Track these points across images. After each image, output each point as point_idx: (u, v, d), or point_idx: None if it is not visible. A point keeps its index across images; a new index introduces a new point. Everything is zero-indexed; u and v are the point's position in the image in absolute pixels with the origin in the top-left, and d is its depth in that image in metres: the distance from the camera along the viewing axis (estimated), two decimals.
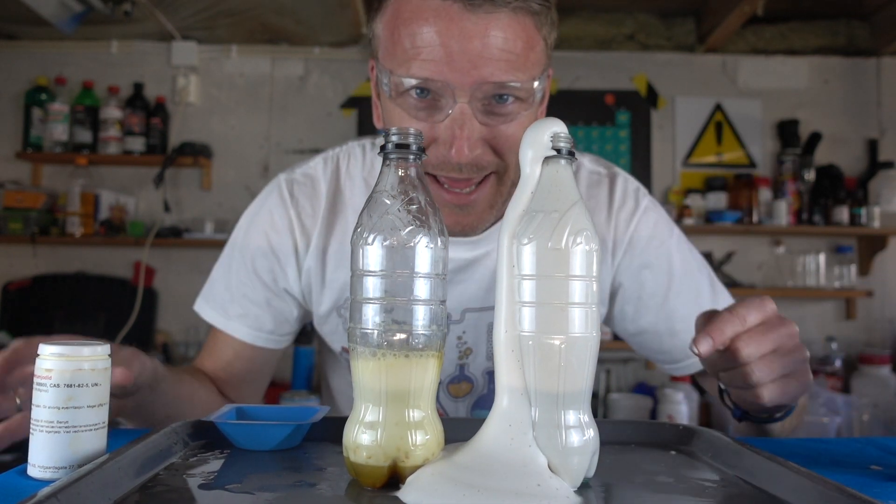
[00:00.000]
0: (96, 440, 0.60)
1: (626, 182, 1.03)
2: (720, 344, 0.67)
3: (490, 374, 1.01)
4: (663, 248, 1.00)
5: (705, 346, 0.67)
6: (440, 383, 0.99)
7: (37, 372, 0.59)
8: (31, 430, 0.59)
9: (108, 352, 0.61)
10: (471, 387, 1.01)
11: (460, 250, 0.95)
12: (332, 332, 1.02)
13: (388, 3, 0.82)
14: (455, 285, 0.96)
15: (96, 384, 0.59)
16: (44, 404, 0.58)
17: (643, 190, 1.04)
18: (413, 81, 0.78)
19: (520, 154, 0.58)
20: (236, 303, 0.99)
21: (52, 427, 0.58)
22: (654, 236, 1.00)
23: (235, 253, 1.01)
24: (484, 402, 1.03)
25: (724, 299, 1.02)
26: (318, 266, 0.98)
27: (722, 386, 0.80)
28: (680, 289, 0.99)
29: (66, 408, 0.58)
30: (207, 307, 1.01)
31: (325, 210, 0.98)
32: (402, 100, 0.81)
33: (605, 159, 1.07)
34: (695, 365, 1.01)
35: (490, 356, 0.99)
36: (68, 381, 0.58)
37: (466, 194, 0.84)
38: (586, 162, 1.04)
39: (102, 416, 0.60)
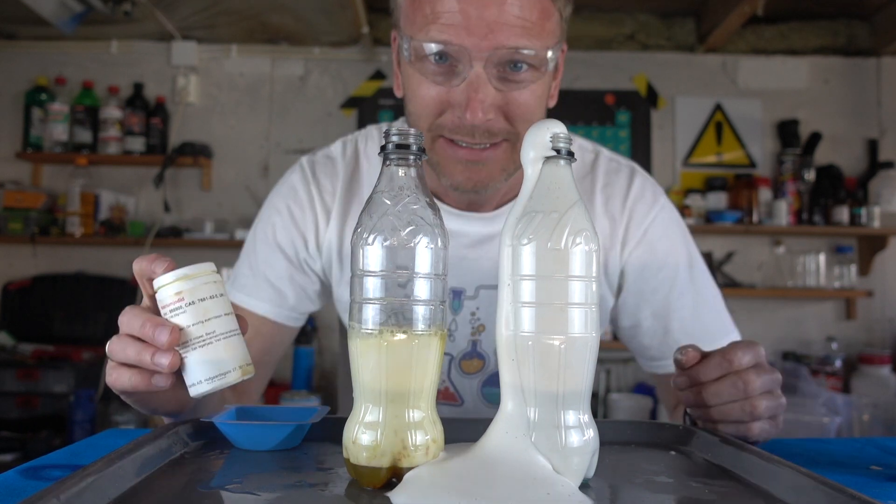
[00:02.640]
0: (241, 343, 0.64)
1: (646, 178, 1.04)
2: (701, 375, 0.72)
3: None
4: (675, 248, 1.01)
5: (691, 356, 0.72)
6: (452, 359, 0.99)
7: (166, 301, 0.62)
8: (182, 355, 0.62)
9: (215, 267, 0.65)
10: (482, 363, 1.02)
11: (476, 225, 0.97)
12: (345, 310, 1.03)
13: None
14: (470, 261, 0.97)
15: (221, 294, 0.64)
16: (187, 324, 0.62)
17: (660, 189, 1.05)
18: (432, 45, 0.82)
19: (521, 154, 0.58)
20: (259, 278, 1.01)
21: (203, 340, 0.62)
22: (668, 233, 1.01)
23: (258, 229, 1.03)
24: (494, 379, 1.03)
25: (724, 314, 1.03)
26: (337, 242, 1.01)
27: (689, 412, 0.81)
28: (684, 289, 1.00)
29: (208, 320, 0.62)
30: (231, 288, 1.03)
31: (342, 188, 1.02)
32: (421, 64, 0.84)
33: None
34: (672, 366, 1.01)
35: None
36: (202, 296, 0.62)
37: (480, 150, 0.87)
38: (605, 151, 1.06)
39: (234, 323, 0.64)
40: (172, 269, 0.63)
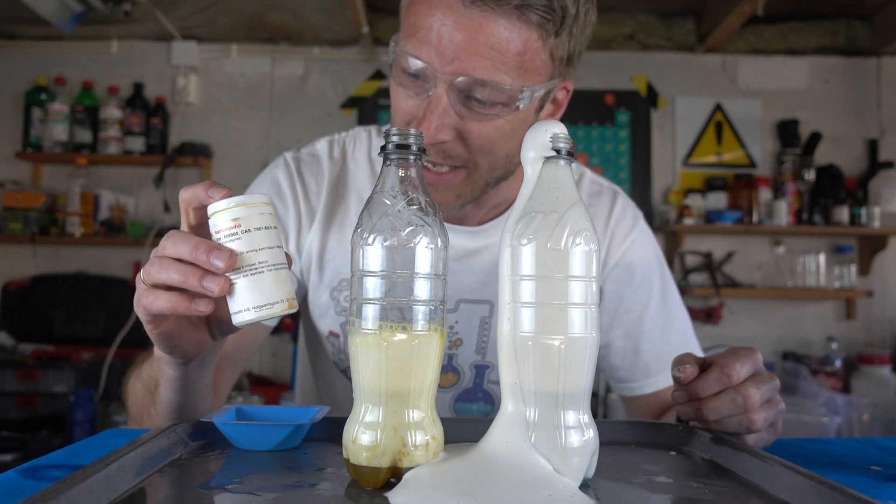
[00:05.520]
0: (289, 277, 0.63)
1: (627, 201, 1.07)
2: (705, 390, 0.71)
3: (477, 368, 1.02)
4: (650, 271, 1.03)
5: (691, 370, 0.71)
6: None
7: (221, 227, 0.61)
8: (232, 281, 0.61)
9: (268, 200, 0.65)
10: (457, 378, 1.02)
11: (461, 239, 0.97)
12: (321, 315, 1.02)
13: None
14: (453, 275, 0.97)
15: (275, 227, 0.63)
16: (243, 250, 0.61)
17: (640, 213, 1.08)
18: (405, 58, 0.82)
19: (521, 155, 0.58)
20: None
21: (255, 269, 0.61)
22: (645, 257, 1.04)
23: None
24: (467, 395, 1.04)
25: (692, 340, 1.05)
26: (318, 246, 0.99)
27: (681, 417, 0.81)
28: (656, 312, 1.02)
29: (261, 249, 0.61)
30: None
31: (328, 190, 1.00)
32: (398, 74, 0.85)
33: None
34: (644, 387, 1.03)
35: (479, 350, 1.01)
36: (258, 225, 0.61)
37: (435, 172, 0.86)
38: (588, 173, 1.08)
39: (283, 257, 0.63)
40: (229, 197, 0.62)
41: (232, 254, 0.60)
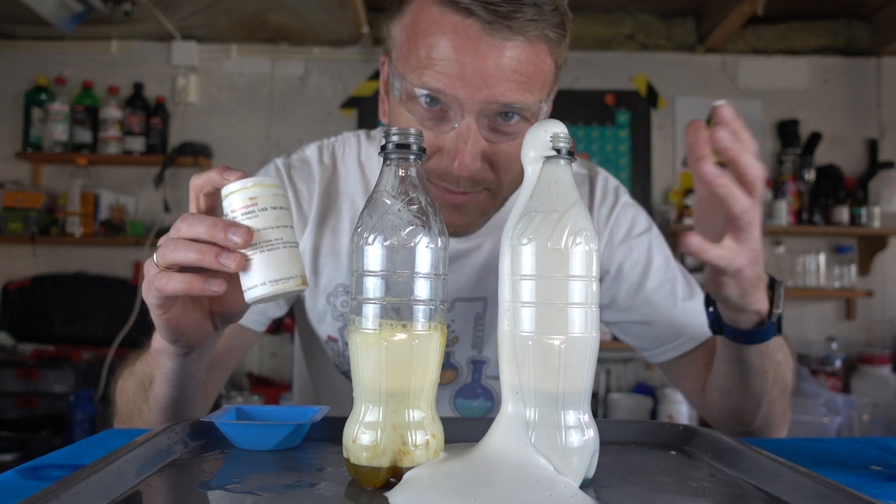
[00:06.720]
0: (300, 256, 0.64)
1: (607, 180, 1.07)
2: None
3: (475, 364, 1.02)
4: (640, 241, 1.03)
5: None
6: None
7: (237, 206, 0.62)
8: (248, 257, 0.62)
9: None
10: (455, 374, 1.03)
11: (453, 241, 0.97)
12: (319, 320, 1.02)
13: (407, 8, 0.84)
14: (448, 275, 0.97)
15: (287, 209, 0.64)
16: (259, 227, 0.62)
17: (623, 188, 1.08)
18: (424, 91, 0.80)
19: (521, 154, 0.59)
20: None
21: (271, 245, 0.62)
22: (632, 229, 1.03)
23: None
24: (467, 392, 1.04)
25: (699, 295, 1.03)
26: (312, 251, 0.99)
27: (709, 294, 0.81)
28: (656, 280, 1.01)
29: (277, 227, 0.62)
30: None
31: (319, 196, 1.00)
32: (412, 105, 0.83)
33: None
34: (670, 351, 1.01)
35: (476, 345, 1.01)
36: (273, 204, 0.62)
37: (462, 193, 0.86)
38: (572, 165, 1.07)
39: (295, 237, 0.65)
40: (244, 178, 0.63)
41: (249, 229, 0.61)
